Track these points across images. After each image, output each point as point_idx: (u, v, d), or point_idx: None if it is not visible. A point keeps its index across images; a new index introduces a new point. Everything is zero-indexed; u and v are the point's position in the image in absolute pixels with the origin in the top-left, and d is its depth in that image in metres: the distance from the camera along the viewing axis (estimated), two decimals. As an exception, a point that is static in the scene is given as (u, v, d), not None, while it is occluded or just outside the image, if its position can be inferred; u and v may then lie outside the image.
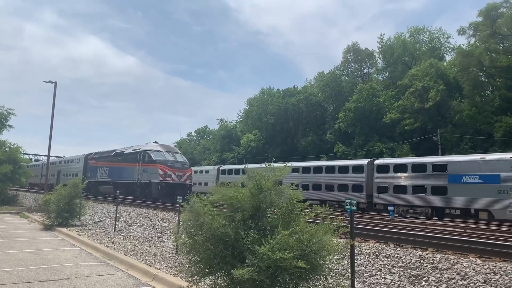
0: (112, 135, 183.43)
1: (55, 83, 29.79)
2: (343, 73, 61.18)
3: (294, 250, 5.13)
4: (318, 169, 31.27)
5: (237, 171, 40.89)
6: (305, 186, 29.64)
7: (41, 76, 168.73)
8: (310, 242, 5.37)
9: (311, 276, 5.49)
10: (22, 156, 36.46)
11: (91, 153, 40.55)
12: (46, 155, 36.51)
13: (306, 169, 32.04)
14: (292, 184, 6.42)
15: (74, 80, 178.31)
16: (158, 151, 29.70)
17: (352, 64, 61.40)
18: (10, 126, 38.64)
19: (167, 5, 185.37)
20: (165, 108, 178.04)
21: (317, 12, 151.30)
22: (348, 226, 6.19)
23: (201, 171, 48.15)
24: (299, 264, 5.00)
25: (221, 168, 46.11)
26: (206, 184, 45.07)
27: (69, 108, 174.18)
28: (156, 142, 32.17)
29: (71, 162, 45.99)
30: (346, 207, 6.22)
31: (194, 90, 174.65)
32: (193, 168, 38.75)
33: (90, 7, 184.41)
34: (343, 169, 29.46)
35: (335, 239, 5.76)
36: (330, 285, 5.97)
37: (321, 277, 5.72)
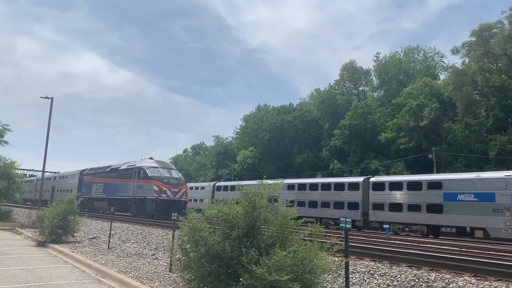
0: (108, 151, 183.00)
1: (52, 98, 29.85)
2: (338, 91, 61.73)
3: (289, 271, 5.12)
4: (314, 186, 31.27)
5: (232, 188, 40.78)
6: (301, 203, 29.57)
7: (35, 91, 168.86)
8: (305, 261, 5.37)
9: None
10: (16, 172, 36.25)
11: (86, 169, 40.35)
12: (41, 171, 36.30)
13: (301, 186, 32.02)
14: (287, 201, 6.44)
15: (69, 95, 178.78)
16: (153, 167, 29.59)
17: (347, 82, 62.05)
18: (6, 142, 38.49)
19: (165, 22, 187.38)
20: (161, 123, 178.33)
21: (312, 30, 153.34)
22: (342, 244, 6.19)
23: (197, 188, 47.96)
24: (294, 287, 4.98)
25: (217, 184, 45.95)
26: (201, 200, 44.82)
27: (64, 123, 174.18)
28: (151, 158, 32.08)
29: (66, 177, 45.71)
30: (341, 225, 6.24)
31: (190, 106, 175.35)
32: (189, 185, 38.64)
33: (87, 24, 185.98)
34: (339, 187, 29.45)
35: (330, 257, 5.76)
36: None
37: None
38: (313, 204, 30.31)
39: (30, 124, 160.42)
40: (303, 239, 5.98)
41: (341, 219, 6.23)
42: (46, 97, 29.83)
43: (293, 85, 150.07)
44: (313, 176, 46.65)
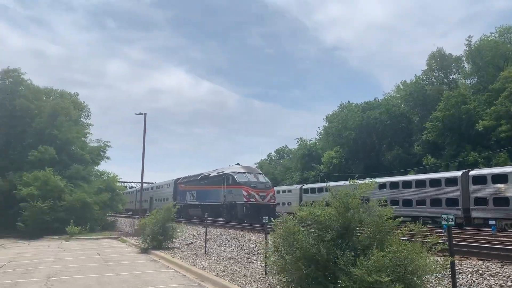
0: (197, 159, 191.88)
1: (145, 114, 32.04)
2: (427, 81, 58.23)
3: (390, 272, 4.91)
4: (407, 184, 29.82)
5: (320, 190, 40.35)
6: (394, 203, 28.34)
7: (127, 109, 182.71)
8: (406, 262, 5.11)
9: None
10: (118, 184, 39.52)
11: (180, 178, 42.61)
12: (139, 182, 39.09)
13: (394, 185, 30.74)
14: (380, 200, 6.20)
15: (157, 109, 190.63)
16: (241, 172, 30.37)
17: (436, 71, 58.32)
18: (107, 157, 42.29)
19: (241, 32, 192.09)
20: (243, 130, 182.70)
21: (389, 22, 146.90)
22: (445, 243, 5.79)
23: (284, 191, 48.21)
24: (396, 288, 4.76)
25: (304, 187, 45.80)
26: (289, 204, 44.99)
27: (155, 136, 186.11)
28: (238, 164, 32.94)
29: (162, 187, 48.71)
30: (443, 222, 5.85)
31: (270, 110, 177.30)
32: (276, 188, 39.00)
33: (171, 42, 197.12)
34: (435, 183, 27.74)
35: (432, 258, 5.42)
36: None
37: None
38: (407, 203, 28.92)
39: (125, 139, 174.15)
40: (402, 238, 5.71)
41: (443, 216, 5.83)
42: (140, 113, 32.09)
43: (375, 80, 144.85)
44: (405, 173, 44.42)
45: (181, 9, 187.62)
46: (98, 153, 41.58)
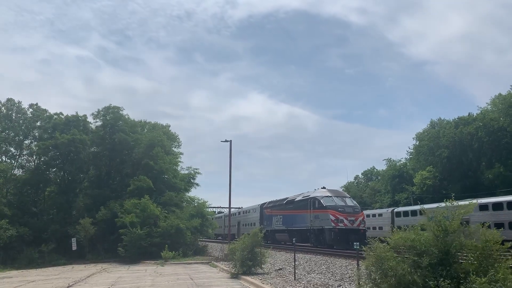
0: (281, 184, 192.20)
1: (230, 141, 33.13)
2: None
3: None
4: (512, 205, 27.06)
5: (414, 213, 38.09)
6: (498, 225, 25.77)
7: (210, 137, 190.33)
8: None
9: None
10: (207, 210, 40.97)
11: (265, 203, 42.95)
12: (226, 207, 40.20)
13: (497, 206, 28.03)
14: (483, 224, 5.65)
15: (238, 136, 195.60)
16: (327, 196, 29.79)
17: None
18: (197, 184, 44.30)
19: (320, 54, 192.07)
20: (327, 152, 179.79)
21: (469, 32, 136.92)
22: None
23: (374, 215, 46.30)
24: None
25: (396, 210, 43.56)
26: (380, 228, 42.99)
27: (239, 161, 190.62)
28: (324, 188, 32.38)
29: (249, 212, 49.47)
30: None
31: (355, 132, 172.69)
32: (365, 212, 37.56)
33: (251, 70, 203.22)
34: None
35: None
36: None
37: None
38: (514, 226, 26.15)
39: (211, 166, 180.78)
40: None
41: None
42: (226, 141, 33.24)
43: (467, 94, 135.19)
44: (510, 193, 40.32)
45: (261, 37, 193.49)
46: (189, 180, 43.78)
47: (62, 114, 43.08)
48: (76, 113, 43.21)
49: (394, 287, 5.27)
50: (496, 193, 42.73)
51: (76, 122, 42.19)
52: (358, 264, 9.96)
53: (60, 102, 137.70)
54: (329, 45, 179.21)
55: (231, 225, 41.24)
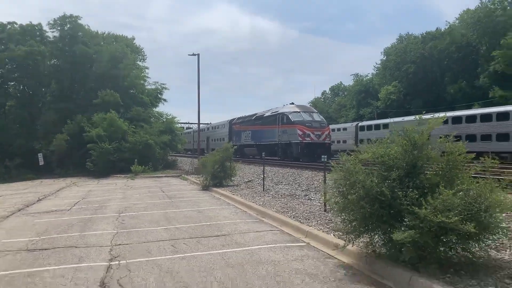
0: (250, 99, 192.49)
1: (198, 55, 32.01)
2: (498, 6, 52.84)
3: (460, 211, 4.69)
4: (471, 118, 28.32)
5: (377, 127, 39.39)
6: (455, 138, 27.17)
7: (171, 51, 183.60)
8: (479, 199, 4.84)
9: (481, 236, 4.98)
10: (176, 126, 40.83)
11: (234, 118, 43.18)
12: (194, 123, 40.18)
13: (456, 119, 29.29)
14: (446, 136, 5.83)
15: (208, 49, 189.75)
16: (295, 112, 30.15)
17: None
18: (165, 99, 43.52)
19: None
20: (297, 68, 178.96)
21: None
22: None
23: (339, 129, 47.62)
24: (467, 228, 4.54)
25: (360, 124, 44.87)
26: (344, 142, 44.52)
27: (208, 76, 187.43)
28: (293, 103, 32.65)
29: (218, 128, 49.81)
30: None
31: (323, 46, 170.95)
32: (330, 126, 38.58)
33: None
34: (502, 116, 26.10)
35: (508, 195, 5.11)
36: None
37: (493, 236, 5.16)
38: (471, 138, 27.59)
39: (176, 81, 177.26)
40: (473, 176, 5.39)
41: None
42: (193, 54, 32.06)
43: (435, 9, 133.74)
44: (469, 108, 42.01)
45: None
46: (156, 96, 42.88)
47: (16, 23, 39.98)
48: (30, 22, 40.20)
49: (361, 198, 5.48)
50: (456, 108, 44.46)
51: (32, 31, 39.37)
52: (325, 176, 10.34)
53: (7, 11, 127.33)
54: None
55: (201, 140, 41.57)
